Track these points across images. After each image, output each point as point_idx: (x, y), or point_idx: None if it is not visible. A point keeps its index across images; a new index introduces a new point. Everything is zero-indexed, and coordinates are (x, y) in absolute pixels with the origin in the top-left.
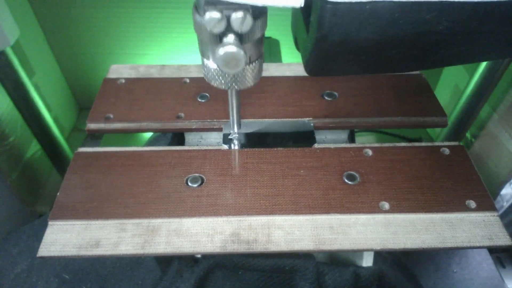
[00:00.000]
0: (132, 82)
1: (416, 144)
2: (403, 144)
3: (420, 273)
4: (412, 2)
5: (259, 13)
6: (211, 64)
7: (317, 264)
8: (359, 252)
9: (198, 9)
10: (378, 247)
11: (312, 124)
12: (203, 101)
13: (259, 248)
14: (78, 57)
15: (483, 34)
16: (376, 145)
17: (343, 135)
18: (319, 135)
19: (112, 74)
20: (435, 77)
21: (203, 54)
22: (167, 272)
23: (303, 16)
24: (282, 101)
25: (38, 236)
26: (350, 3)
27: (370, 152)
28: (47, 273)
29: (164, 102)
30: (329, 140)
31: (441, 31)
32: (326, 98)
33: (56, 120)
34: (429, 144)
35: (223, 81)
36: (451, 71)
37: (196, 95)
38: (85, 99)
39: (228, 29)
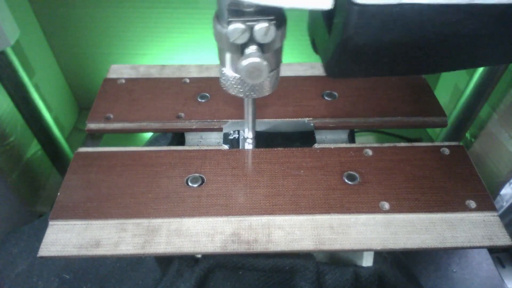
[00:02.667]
0: (132, 82)
1: (416, 144)
2: (403, 144)
3: (420, 273)
4: (439, 4)
5: (280, 24)
6: (229, 72)
7: (317, 264)
8: (359, 252)
9: (220, 19)
10: (378, 247)
11: (312, 124)
12: (203, 101)
13: (259, 248)
14: (78, 57)
15: (509, 37)
16: (376, 145)
17: (343, 135)
18: (319, 135)
19: (112, 74)
20: (435, 77)
21: (222, 63)
22: (167, 272)
23: (324, 18)
24: (282, 101)
25: (38, 236)
26: (378, 5)
27: (370, 152)
28: (48, 273)
29: (164, 102)
30: (329, 140)
31: (467, 34)
32: (326, 98)
33: (56, 120)
34: (429, 144)
35: (241, 89)
36: (451, 72)
37: (196, 95)
38: (85, 99)
39: (250, 39)
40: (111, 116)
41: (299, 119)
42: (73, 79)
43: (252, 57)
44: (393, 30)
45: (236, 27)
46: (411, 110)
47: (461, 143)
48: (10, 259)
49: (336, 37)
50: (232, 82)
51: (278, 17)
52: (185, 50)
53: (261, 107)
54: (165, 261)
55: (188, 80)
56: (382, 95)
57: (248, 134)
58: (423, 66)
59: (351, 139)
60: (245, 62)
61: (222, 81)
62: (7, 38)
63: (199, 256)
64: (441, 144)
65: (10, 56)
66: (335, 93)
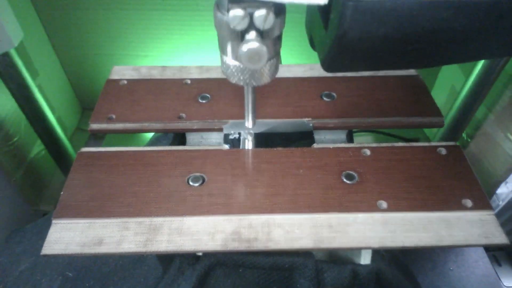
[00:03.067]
0: (134, 83)
1: (413, 144)
2: (400, 144)
3: (417, 271)
4: (429, 0)
5: (279, 11)
6: (230, 61)
7: (316, 262)
8: (358, 250)
9: (220, 7)
10: (376, 245)
11: (311, 125)
12: (204, 101)
13: (259, 246)
14: (81, 59)
15: (499, 31)
16: (374, 145)
17: (342, 135)
18: (318, 135)
19: (114, 75)
20: (431, 78)
21: (223, 51)
22: (168, 269)
23: (320, 13)
24: (281, 101)
25: (42, 234)
26: (372, 0)
27: (368, 152)
28: (51, 271)
29: (166, 103)
30: (328, 140)
31: (458, 28)
32: (325, 98)
33: (59, 120)
34: (426, 144)
35: (241, 77)
36: (448, 72)
37: (197, 96)
38: (88, 100)
39: (250, 26)
40: (113, 116)
41: (298, 119)
42: (76, 80)
43: (252, 41)
44: (385, 24)
45: (236, 13)
46: (408, 111)
47: (457, 143)
48: (13, 258)
49: (332, 32)
50: (233, 70)
51: (277, 4)
52: (185, 52)
53: (261, 107)
54: (167, 259)
55: (189, 81)
56: (380, 96)
57: (248, 124)
58: (419, 60)
59: (350, 139)
60: (245, 47)
61: (223, 69)
62: (11, 40)
63: (200, 254)
64: (438, 144)
65: (13, 57)
66: (334, 94)
